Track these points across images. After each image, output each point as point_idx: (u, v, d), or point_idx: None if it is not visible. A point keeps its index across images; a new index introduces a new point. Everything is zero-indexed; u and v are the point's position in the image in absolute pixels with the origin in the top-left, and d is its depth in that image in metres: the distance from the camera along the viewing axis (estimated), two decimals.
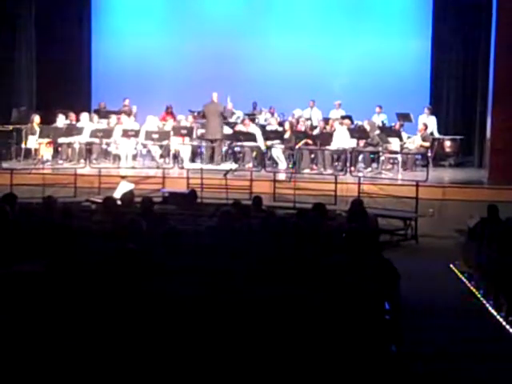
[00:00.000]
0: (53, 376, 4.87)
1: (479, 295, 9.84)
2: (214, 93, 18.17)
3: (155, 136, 17.91)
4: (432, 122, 19.12)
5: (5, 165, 16.99)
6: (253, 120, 19.25)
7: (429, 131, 18.58)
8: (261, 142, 17.79)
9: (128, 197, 11.12)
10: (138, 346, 5.05)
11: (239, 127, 18.78)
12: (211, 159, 17.92)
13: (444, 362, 7.14)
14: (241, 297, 5.76)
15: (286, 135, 18.10)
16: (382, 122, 19.58)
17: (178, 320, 5.43)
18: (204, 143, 18.40)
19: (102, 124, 19.06)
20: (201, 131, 18.69)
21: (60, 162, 18.03)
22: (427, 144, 18.09)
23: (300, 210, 10.83)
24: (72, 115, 19.06)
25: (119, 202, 10.86)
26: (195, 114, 19.17)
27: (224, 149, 18.60)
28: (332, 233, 8.47)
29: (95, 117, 19.29)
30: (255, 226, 8.96)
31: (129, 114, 19.45)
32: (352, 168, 16.96)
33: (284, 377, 4.93)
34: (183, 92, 20.56)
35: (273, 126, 18.86)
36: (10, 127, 18.76)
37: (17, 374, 4.87)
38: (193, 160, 18.30)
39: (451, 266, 11.57)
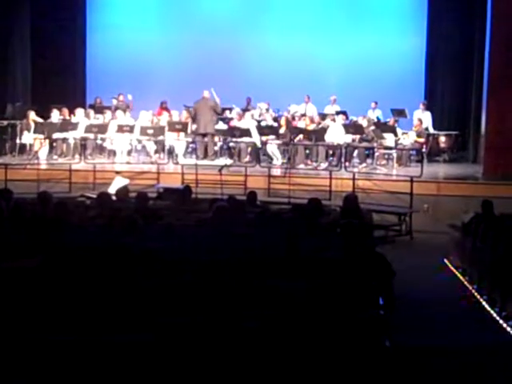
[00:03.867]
0: (48, 370, 4.88)
1: (473, 290, 9.87)
2: (205, 91, 18.18)
3: (150, 131, 17.89)
4: (427, 118, 19.14)
5: None
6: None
7: (424, 127, 18.59)
8: (256, 138, 17.79)
9: (123, 192, 11.12)
10: (134, 340, 5.06)
11: (234, 122, 18.80)
12: (205, 154, 17.90)
13: (438, 355, 7.16)
14: (235, 290, 5.78)
15: (281, 131, 18.11)
16: (377, 117, 19.60)
17: (174, 314, 5.45)
18: (197, 138, 18.36)
19: (99, 119, 19.05)
20: (195, 126, 18.66)
21: (55, 157, 18.01)
22: (422, 140, 18.10)
23: (295, 205, 10.84)
24: (64, 111, 19.06)
25: (114, 197, 10.86)
26: (190, 109, 19.14)
27: (219, 144, 18.61)
28: (327, 228, 8.50)
29: (91, 112, 19.26)
30: (250, 221, 8.97)
31: (124, 109, 19.44)
32: (347, 163, 16.97)
33: (278, 370, 4.95)
34: (178, 87, 20.55)
35: (267, 121, 18.85)
36: (5, 123, 18.74)
37: (11, 367, 4.88)
38: (184, 155, 18.28)
39: (445, 261, 11.60)
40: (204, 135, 18.05)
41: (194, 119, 18.30)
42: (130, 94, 19.96)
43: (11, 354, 4.94)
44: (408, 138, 18.20)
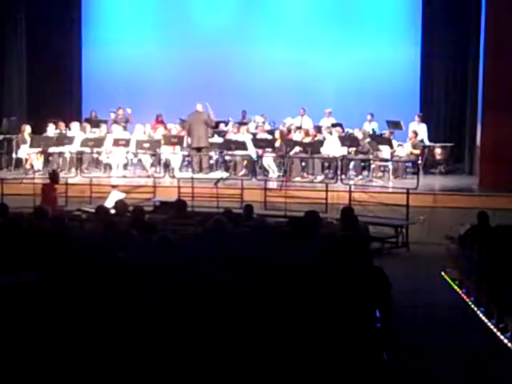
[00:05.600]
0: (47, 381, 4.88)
1: (470, 302, 9.87)
2: (198, 104, 18.21)
3: (146, 145, 17.90)
4: (422, 130, 19.16)
5: None
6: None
7: (419, 139, 18.62)
8: (251, 151, 17.80)
9: (122, 205, 11.11)
10: (130, 353, 5.06)
11: (230, 136, 18.83)
12: (200, 168, 17.92)
13: (436, 369, 7.16)
14: (232, 304, 5.78)
15: (277, 143, 18.12)
16: (373, 129, 19.62)
17: (171, 327, 5.44)
18: (191, 152, 18.36)
19: (95, 133, 19.06)
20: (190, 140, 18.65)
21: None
22: (417, 151, 18.12)
23: (292, 217, 10.83)
24: (61, 124, 19.08)
25: (112, 211, 10.87)
26: (185, 122, 19.15)
27: (215, 157, 18.60)
28: (323, 241, 8.48)
29: (87, 126, 19.27)
30: (246, 234, 8.96)
31: (125, 121, 19.51)
32: (343, 176, 16.98)
33: None
34: (174, 101, 20.58)
35: (263, 133, 18.83)
36: (1, 137, 18.75)
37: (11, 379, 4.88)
38: (180, 169, 18.27)
39: (442, 273, 11.59)
40: (198, 149, 18.05)
41: (190, 133, 18.30)
42: (129, 108, 20.03)
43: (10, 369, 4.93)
44: (403, 150, 18.24)
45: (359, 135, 18.21)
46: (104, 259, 7.14)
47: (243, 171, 17.89)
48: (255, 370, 4.95)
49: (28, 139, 17.99)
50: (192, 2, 22.67)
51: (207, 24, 21.84)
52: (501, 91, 16.15)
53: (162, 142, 18.08)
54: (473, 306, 9.70)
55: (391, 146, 18.03)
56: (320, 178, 17.32)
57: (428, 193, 15.54)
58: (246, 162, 18.05)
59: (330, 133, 18.30)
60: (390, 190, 15.91)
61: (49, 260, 7.08)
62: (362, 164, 18.02)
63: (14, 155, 18.29)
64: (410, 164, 18.22)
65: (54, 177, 13.86)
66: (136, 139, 18.09)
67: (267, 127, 19.64)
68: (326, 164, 18.08)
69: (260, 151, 18.04)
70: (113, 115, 20.20)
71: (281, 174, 17.58)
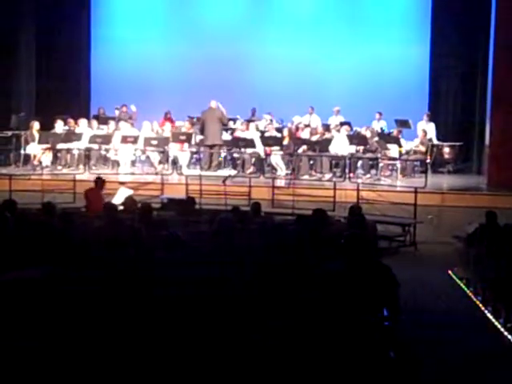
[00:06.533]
0: (51, 380, 4.88)
1: (478, 302, 9.86)
2: (212, 100, 18.21)
3: (154, 142, 17.91)
4: (431, 129, 19.14)
5: (4, 171, 17.01)
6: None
7: (428, 138, 18.60)
8: (260, 148, 17.79)
9: (131, 201, 11.12)
10: (136, 352, 5.06)
11: (238, 133, 18.82)
12: (209, 165, 17.92)
13: (443, 369, 7.15)
14: (238, 302, 5.78)
15: (285, 142, 18.11)
16: (381, 128, 19.60)
17: (177, 325, 5.44)
18: (202, 149, 18.37)
19: (103, 130, 19.09)
20: (199, 137, 18.66)
21: (59, 167, 18.04)
22: (423, 149, 18.10)
23: (299, 216, 10.83)
24: (71, 121, 19.12)
25: (121, 207, 10.88)
26: (194, 119, 19.17)
27: (223, 155, 18.60)
28: (331, 239, 8.48)
29: (95, 123, 19.30)
30: (254, 232, 8.97)
31: (127, 120, 19.48)
32: (351, 174, 16.98)
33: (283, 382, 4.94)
34: (182, 98, 20.58)
35: (271, 132, 18.81)
36: (9, 133, 18.78)
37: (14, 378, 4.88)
38: (188, 166, 18.28)
39: (450, 272, 11.58)
40: (211, 146, 18.06)
41: (203, 130, 18.29)
42: (134, 105, 20.02)
43: (13, 366, 4.93)
44: (411, 143, 18.30)
45: (367, 134, 18.21)
46: (111, 256, 7.16)
47: (251, 169, 17.89)
48: (261, 368, 4.95)
49: (36, 135, 18.02)
50: None
51: (216, 22, 21.85)
52: (510, 90, 16.11)
53: (171, 139, 18.08)
54: (480, 305, 9.68)
55: (399, 145, 18.01)
56: (328, 176, 17.31)
57: (436, 192, 15.52)
58: (254, 159, 18.05)
59: (339, 131, 18.30)
60: (398, 188, 15.90)
61: (56, 256, 7.10)
62: (370, 162, 18.00)
63: (22, 151, 18.30)
64: (418, 163, 18.21)
65: (99, 183, 13.66)
66: (144, 136, 18.10)
67: (275, 125, 19.62)
68: (334, 162, 18.05)
69: (268, 149, 18.03)
70: (117, 112, 20.22)
71: (289, 171, 17.59)
